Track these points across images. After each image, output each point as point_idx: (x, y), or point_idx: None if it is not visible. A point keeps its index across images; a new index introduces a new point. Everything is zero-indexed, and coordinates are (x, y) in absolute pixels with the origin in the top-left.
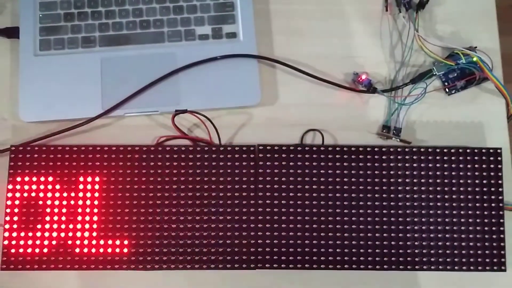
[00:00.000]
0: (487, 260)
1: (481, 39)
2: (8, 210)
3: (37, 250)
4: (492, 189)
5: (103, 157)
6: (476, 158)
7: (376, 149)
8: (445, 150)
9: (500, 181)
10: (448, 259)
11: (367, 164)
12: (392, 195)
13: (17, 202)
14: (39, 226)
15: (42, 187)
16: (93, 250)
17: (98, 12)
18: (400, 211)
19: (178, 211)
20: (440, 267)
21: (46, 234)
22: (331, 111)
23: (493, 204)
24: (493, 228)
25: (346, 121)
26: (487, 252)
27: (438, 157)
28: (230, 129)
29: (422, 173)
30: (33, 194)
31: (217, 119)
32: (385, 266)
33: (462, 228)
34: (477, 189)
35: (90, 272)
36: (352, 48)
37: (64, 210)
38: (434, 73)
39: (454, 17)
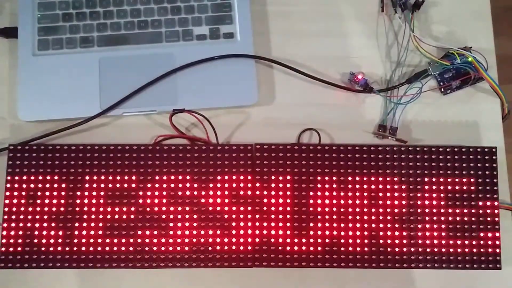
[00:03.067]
0: (482, 258)
1: (476, 39)
2: (6, 209)
3: (35, 249)
4: (487, 187)
5: (101, 156)
6: (471, 157)
7: (372, 148)
8: (440, 149)
9: (495, 180)
10: (443, 257)
11: (363, 163)
12: (388, 194)
13: (15, 201)
14: (37, 225)
15: (40, 186)
16: (91, 249)
17: (96, 12)
18: (396, 210)
19: (175, 210)
20: (435, 265)
21: (44, 232)
22: (327, 111)
23: (488, 203)
24: (488, 227)
25: (342, 121)
26: (482, 250)
27: (433, 156)
28: (227, 129)
29: (418, 172)
30: (31, 193)
31: (214, 119)
32: (381, 264)
33: (458, 226)
34: (472, 187)
35: (89, 270)
36: (349, 48)
37: (62, 209)
38: (430, 73)
39: (449, 17)
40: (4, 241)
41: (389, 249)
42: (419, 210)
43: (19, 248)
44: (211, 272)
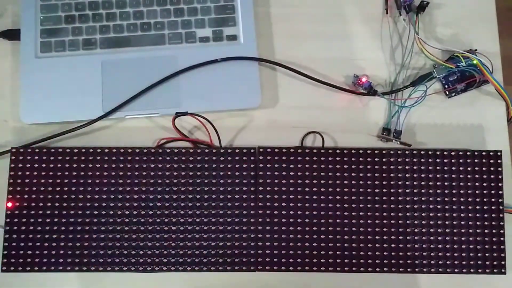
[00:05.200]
0: (487, 263)
1: (481, 41)
2: (8, 212)
3: (37, 252)
4: (492, 192)
5: (103, 159)
6: (476, 161)
7: (376, 151)
8: (445, 153)
9: (500, 184)
10: (448, 262)
11: (367, 167)
12: (392, 198)
13: (17, 203)
14: (39, 228)
15: (42, 189)
16: (94, 252)
17: (99, 14)
18: (400, 214)
19: (178, 213)
20: (440, 269)
21: (47, 235)
22: (331, 114)
23: (493, 207)
24: (493, 231)
25: (346, 124)
26: (487, 255)
27: (438, 160)
28: (230, 132)
29: (422, 175)
30: (34, 196)
31: (217, 122)
32: (385, 269)
33: (462, 231)
34: (477, 192)
35: (92, 274)
36: (353, 51)
37: (64, 212)
38: (434, 76)
39: (454, 19)
40: (6, 244)
41: (393, 253)
42: (423, 214)
43: (21, 252)
44: (214, 276)
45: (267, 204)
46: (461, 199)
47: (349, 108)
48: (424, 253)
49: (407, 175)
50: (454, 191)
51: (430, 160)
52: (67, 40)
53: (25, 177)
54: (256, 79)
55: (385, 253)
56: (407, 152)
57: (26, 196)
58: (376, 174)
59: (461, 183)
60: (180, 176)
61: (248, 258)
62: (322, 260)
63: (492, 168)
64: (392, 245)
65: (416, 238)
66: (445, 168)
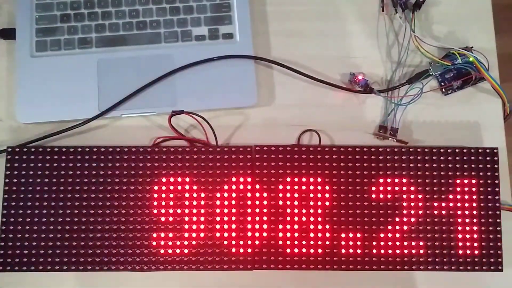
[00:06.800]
0: (484, 260)
1: (477, 39)
2: (4, 212)
3: (33, 252)
4: (489, 189)
5: (99, 158)
6: (472, 158)
7: (373, 149)
8: (441, 150)
9: (496, 181)
10: (445, 259)
11: (364, 165)
12: (389, 196)
13: (13, 203)
14: (35, 228)
15: (38, 188)
16: (90, 252)
17: (95, 13)
18: (397, 211)
19: (175, 212)
20: (436, 267)
21: (43, 235)
22: (327, 112)
23: (489, 204)
24: (490, 228)
25: (342, 122)
26: (483, 252)
27: (434, 157)
28: (227, 130)
29: (419, 173)
30: (30, 195)
31: (214, 120)
32: (382, 267)
33: (459, 228)
34: (473, 189)
35: (87, 273)
36: (349, 49)
37: (60, 211)
38: (431, 73)
39: (450, 17)
40: (2, 244)
41: (389, 251)
42: (420, 212)
43: (18, 251)
44: (211, 275)
45: (264, 202)
46: (458, 196)
47: (346, 106)
48: (421, 250)
49: (403, 173)
50: (450, 189)
51: (426, 157)
52: (62, 39)
53: (21, 177)
54: (252, 78)
55: (381, 250)
56: (403, 149)
57: (22, 195)
58: (372, 172)
59: (458, 181)
60: (176, 174)
61: (245, 256)
62: (318, 258)
63: (488, 165)
64: (389, 243)
65: (412, 235)
66: (442, 165)
